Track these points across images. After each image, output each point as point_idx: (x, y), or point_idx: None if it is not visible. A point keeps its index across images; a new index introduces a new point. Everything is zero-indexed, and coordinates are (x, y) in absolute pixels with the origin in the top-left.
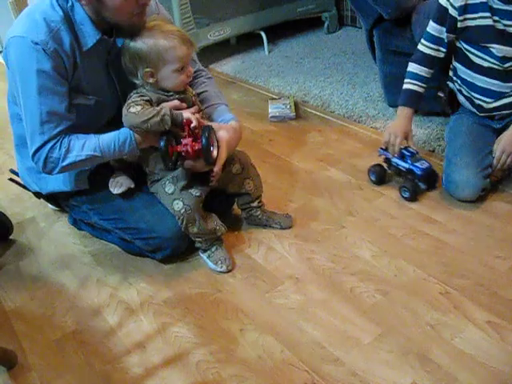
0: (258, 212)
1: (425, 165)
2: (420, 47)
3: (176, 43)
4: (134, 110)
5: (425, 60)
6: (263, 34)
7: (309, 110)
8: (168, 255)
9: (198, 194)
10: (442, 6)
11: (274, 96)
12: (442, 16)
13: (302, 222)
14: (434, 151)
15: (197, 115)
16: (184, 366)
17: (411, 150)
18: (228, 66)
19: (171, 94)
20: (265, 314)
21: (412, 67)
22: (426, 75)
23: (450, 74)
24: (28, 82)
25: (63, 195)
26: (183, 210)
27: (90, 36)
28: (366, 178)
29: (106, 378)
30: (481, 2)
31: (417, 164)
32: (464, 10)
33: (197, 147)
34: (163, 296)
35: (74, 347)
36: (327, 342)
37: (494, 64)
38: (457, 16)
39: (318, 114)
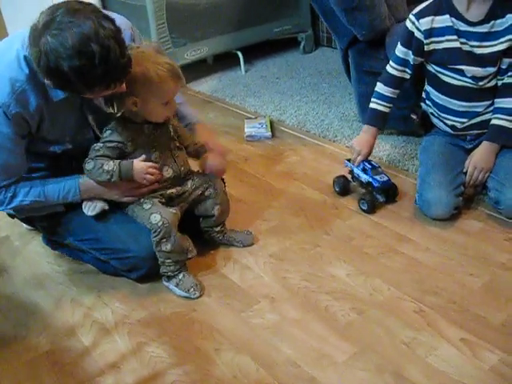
0: (219, 235)
1: (384, 178)
2: (387, 68)
3: (166, 77)
4: (88, 166)
5: (391, 81)
6: (240, 54)
7: (285, 129)
8: (143, 275)
9: (174, 212)
10: (408, 29)
11: (250, 115)
12: (409, 39)
13: (277, 241)
14: (407, 170)
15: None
16: None
17: (373, 163)
18: (205, 86)
19: (145, 125)
20: (240, 333)
21: (378, 87)
22: (392, 95)
23: (423, 96)
24: None
25: (38, 217)
26: (161, 223)
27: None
28: (341, 198)
29: None
30: (446, 26)
31: (376, 177)
32: (430, 33)
33: None
34: (138, 316)
35: (47, 368)
36: (302, 361)
37: (467, 83)
38: (423, 39)
39: (294, 133)
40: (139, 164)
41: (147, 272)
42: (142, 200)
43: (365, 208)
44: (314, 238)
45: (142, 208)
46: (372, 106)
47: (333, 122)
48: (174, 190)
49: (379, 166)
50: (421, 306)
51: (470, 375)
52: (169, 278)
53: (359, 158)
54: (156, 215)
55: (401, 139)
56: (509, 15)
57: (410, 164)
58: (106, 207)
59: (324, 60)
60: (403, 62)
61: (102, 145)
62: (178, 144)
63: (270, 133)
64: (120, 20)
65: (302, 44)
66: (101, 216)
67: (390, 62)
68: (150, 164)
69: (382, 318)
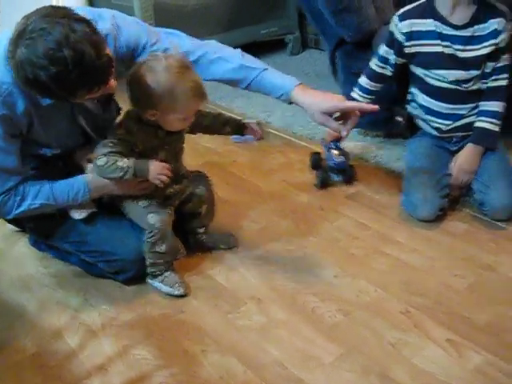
0: (204, 236)
1: (339, 159)
2: (370, 63)
3: (191, 96)
4: (100, 162)
5: (371, 75)
6: None
7: (272, 131)
8: (130, 277)
9: (169, 212)
10: (390, 31)
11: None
12: (391, 39)
13: (264, 242)
14: (394, 172)
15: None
16: None
17: (340, 146)
18: None
19: (159, 129)
20: (227, 334)
21: (361, 79)
22: (371, 88)
23: (408, 98)
24: None
25: (26, 218)
26: (158, 224)
27: None
28: (328, 199)
29: None
30: (429, 30)
31: (334, 157)
32: (410, 36)
33: None
34: (125, 318)
35: (33, 370)
36: (289, 363)
37: (452, 86)
38: (403, 42)
39: (281, 135)
40: (155, 164)
41: (134, 274)
42: (139, 198)
43: (316, 183)
44: (300, 239)
45: (139, 206)
46: (352, 94)
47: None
48: (171, 189)
49: (342, 149)
50: (407, 307)
51: (456, 375)
52: (154, 277)
53: (327, 136)
54: (154, 215)
55: (387, 141)
56: (491, 20)
57: (397, 166)
58: (95, 209)
59: (311, 62)
60: (384, 60)
61: (116, 141)
62: (183, 145)
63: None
64: (102, 24)
65: (290, 46)
66: (88, 218)
67: (373, 58)
68: (167, 165)
69: (369, 319)
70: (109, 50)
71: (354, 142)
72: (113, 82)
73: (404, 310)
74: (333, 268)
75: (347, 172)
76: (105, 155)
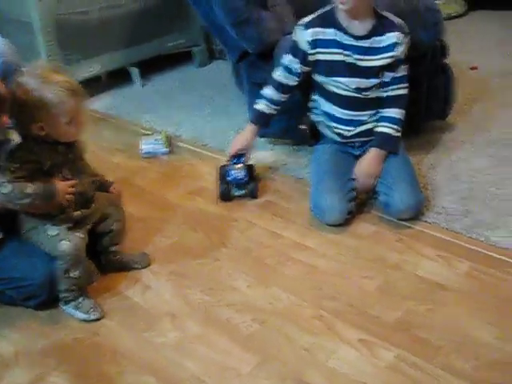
0: (117, 256)
1: (239, 175)
2: (274, 74)
3: (63, 96)
4: (4, 190)
5: (277, 86)
6: (135, 70)
7: (182, 144)
8: (42, 302)
9: (82, 236)
10: (294, 40)
11: (147, 132)
12: (294, 49)
13: (177, 257)
14: (302, 179)
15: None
16: None
17: (242, 159)
18: (99, 103)
19: (58, 145)
20: (143, 353)
21: (266, 91)
22: (278, 99)
23: (310, 105)
24: None
25: None
26: (70, 250)
27: None
28: (239, 210)
29: None
30: (331, 39)
31: (233, 171)
32: (314, 44)
33: None
34: (38, 345)
35: None
36: (207, 376)
37: (352, 93)
38: (307, 50)
39: (191, 147)
40: (61, 184)
41: (46, 299)
42: (47, 226)
43: (217, 195)
44: (213, 251)
45: (48, 235)
46: (257, 106)
47: (229, 135)
48: (79, 212)
49: (244, 163)
50: (320, 312)
51: (370, 374)
52: (67, 302)
53: (231, 151)
54: (64, 242)
55: (295, 149)
56: (388, 34)
57: (305, 173)
58: (1, 236)
59: (218, 73)
60: (289, 70)
61: (17, 165)
62: (84, 164)
63: (166, 148)
64: None
65: (197, 58)
66: None
67: (276, 69)
68: (70, 183)
69: (283, 326)
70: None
71: (263, 152)
72: (5, 119)
73: (316, 314)
74: (246, 278)
75: (248, 187)
76: (9, 182)
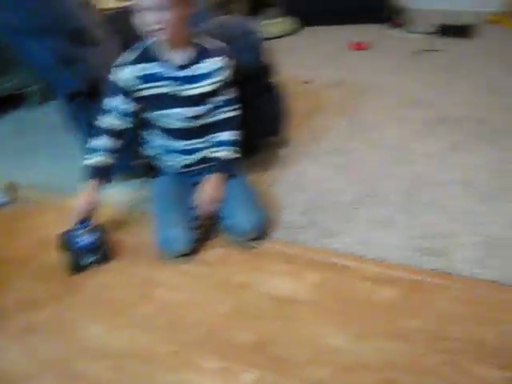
0: None
1: (89, 239)
2: (103, 122)
3: None
4: None
5: (109, 133)
6: None
7: (26, 191)
8: None
9: None
10: (113, 81)
11: None
12: (118, 90)
13: (25, 313)
14: (147, 212)
15: None
16: None
17: (89, 224)
18: None
19: None
20: None
21: (97, 142)
22: (115, 146)
23: (143, 141)
24: None
25: None
26: None
27: None
28: None
29: None
30: (153, 73)
31: (81, 238)
32: (140, 80)
33: None
34: None
35: None
36: None
37: (184, 123)
38: (133, 87)
39: (37, 194)
40: None
41: None
42: None
43: (66, 267)
44: (64, 303)
45: None
46: (88, 162)
47: (73, 177)
48: None
49: (89, 225)
50: (176, 347)
51: None
52: None
53: (75, 217)
54: None
55: (140, 183)
56: (211, 59)
57: (150, 206)
58: None
59: (55, 113)
60: (119, 112)
61: None
62: None
63: (7, 198)
64: None
65: (31, 99)
66: None
67: (103, 116)
68: None
69: (141, 366)
70: None
71: (109, 191)
72: None
73: (173, 349)
74: (101, 324)
75: (100, 251)
76: None
